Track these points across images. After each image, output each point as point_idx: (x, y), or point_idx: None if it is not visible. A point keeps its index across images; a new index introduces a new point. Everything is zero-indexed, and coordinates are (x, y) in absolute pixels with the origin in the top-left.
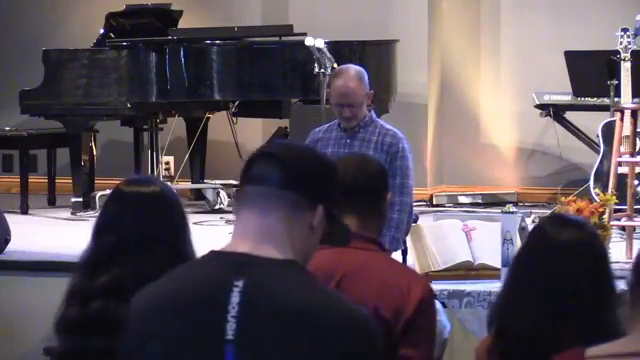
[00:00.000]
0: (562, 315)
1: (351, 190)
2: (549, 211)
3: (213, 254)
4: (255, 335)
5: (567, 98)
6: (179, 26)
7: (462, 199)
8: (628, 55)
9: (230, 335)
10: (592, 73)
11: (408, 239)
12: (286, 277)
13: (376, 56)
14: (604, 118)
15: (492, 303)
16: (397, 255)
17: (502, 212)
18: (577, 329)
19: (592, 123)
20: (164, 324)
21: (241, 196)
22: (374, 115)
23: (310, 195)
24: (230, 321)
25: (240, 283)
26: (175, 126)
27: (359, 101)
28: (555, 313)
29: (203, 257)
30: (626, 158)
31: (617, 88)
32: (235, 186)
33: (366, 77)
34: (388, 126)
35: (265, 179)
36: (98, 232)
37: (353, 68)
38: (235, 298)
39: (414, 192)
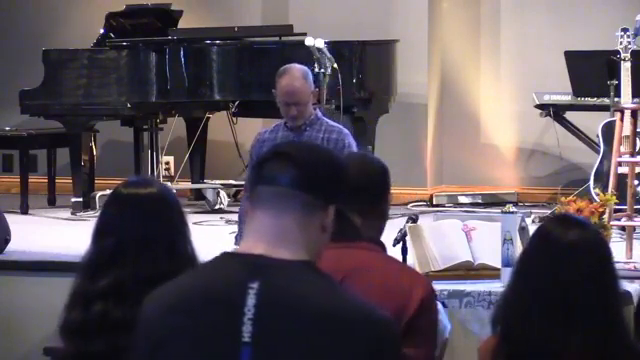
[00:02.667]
0: (569, 316)
1: (352, 190)
2: (549, 211)
3: (227, 255)
4: (272, 337)
5: (567, 98)
6: (179, 26)
7: (462, 199)
8: (628, 55)
9: (247, 337)
10: (592, 73)
11: (408, 239)
12: (302, 278)
13: (376, 56)
14: (604, 118)
15: (496, 304)
16: (397, 255)
17: (502, 212)
18: (584, 329)
19: (592, 123)
20: (179, 325)
21: (254, 196)
22: (319, 113)
23: (323, 196)
24: (246, 323)
25: (255, 285)
26: (175, 126)
27: (305, 99)
28: (562, 314)
29: (217, 258)
30: (626, 158)
31: (617, 88)
32: (235, 186)
33: (310, 76)
34: (333, 123)
35: (279, 179)
36: (97, 235)
37: (297, 67)
38: (251, 300)
39: (412, 191)
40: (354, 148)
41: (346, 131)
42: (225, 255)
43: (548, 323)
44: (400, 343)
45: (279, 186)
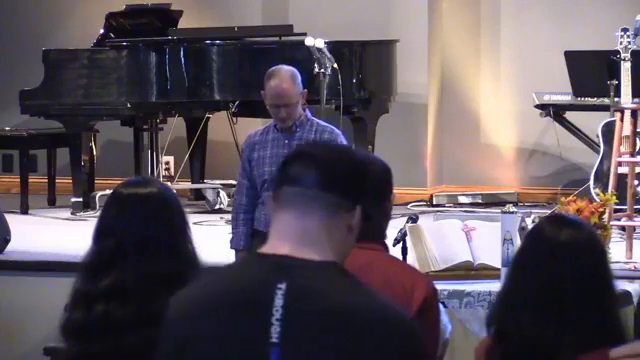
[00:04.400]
0: (562, 316)
1: None
2: (549, 211)
3: (253, 256)
4: (300, 338)
5: (567, 98)
6: (179, 26)
7: (462, 199)
8: (628, 55)
9: (275, 338)
10: (592, 73)
11: (408, 239)
12: (328, 279)
13: (376, 56)
14: (604, 118)
15: (491, 304)
16: (397, 255)
17: (502, 212)
18: (577, 329)
19: (592, 123)
20: (207, 327)
21: (278, 197)
22: (309, 114)
23: (349, 196)
24: (275, 324)
25: (283, 285)
26: (175, 126)
27: (294, 101)
28: (555, 314)
29: (243, 259)
30: (626, 158)
31: (617, 88)
32: (235, 186)
33: (299, 77)
34: (324, 123)
35: (303, 180)
36: (98, 235)
37: (285, 69)
38: (279, 301)
39: (412, 191)
40: None
41: (338, 131)
42: (251, 256)
43: (541, 322)
44: (423, 343)
45: (303, 187)
